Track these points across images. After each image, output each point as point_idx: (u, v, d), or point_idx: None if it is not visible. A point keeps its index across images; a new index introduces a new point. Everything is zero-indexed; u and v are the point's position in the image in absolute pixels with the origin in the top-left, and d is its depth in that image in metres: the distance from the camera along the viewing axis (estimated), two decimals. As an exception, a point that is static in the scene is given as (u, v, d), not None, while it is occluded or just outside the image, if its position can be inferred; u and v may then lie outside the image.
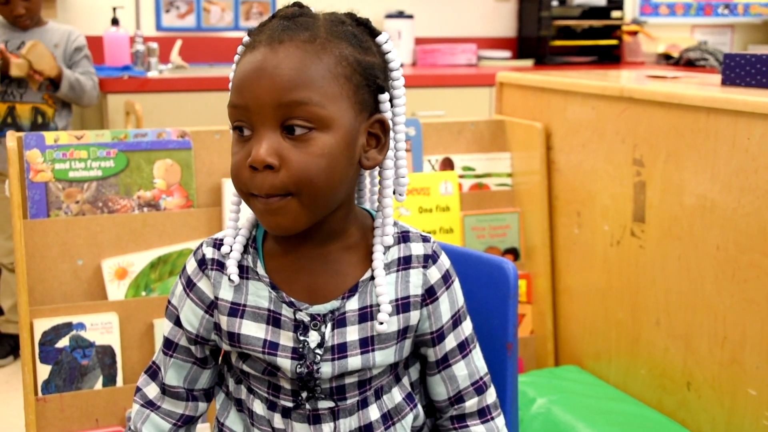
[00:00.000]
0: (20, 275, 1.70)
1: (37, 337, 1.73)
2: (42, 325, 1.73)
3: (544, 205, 2.12)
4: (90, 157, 1.78)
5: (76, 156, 1.77)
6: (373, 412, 1.12)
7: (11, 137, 1.72)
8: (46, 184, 1.75)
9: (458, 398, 1.16)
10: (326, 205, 1.03)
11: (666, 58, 4.78)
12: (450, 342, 1.14)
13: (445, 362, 1.15)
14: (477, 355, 1.17)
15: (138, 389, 1.18)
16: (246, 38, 1.05)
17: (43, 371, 1.73)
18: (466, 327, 1.16)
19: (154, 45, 3.73)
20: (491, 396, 1.18)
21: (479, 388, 1.16)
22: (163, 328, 1.16)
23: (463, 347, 1.15)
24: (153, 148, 1.83)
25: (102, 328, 1.76)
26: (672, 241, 1.72)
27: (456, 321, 1.14)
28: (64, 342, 1.74)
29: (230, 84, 1.04)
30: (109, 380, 1.78)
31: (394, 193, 1.11)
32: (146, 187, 1.83)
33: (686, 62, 4.52)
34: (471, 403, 1.16)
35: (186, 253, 1.83)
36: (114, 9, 3.71)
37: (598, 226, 1.95)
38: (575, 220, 2.04)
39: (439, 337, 1.13)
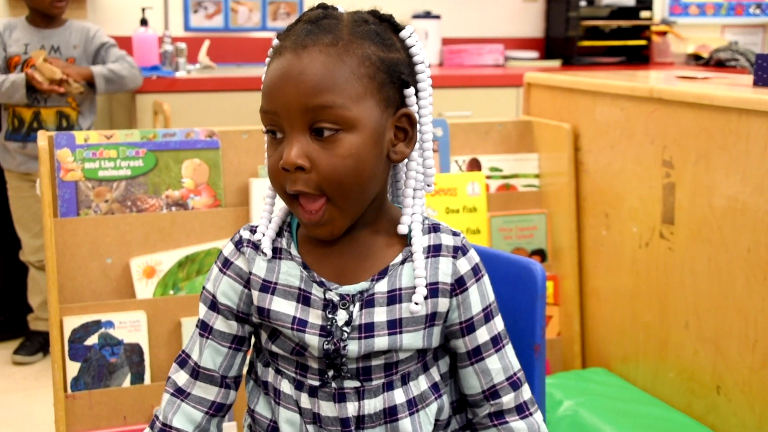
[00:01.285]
0: (50, 273, 1.72)
1: (67, 334, 1.74)
2: (71, 322, 1.74)
3: (572, 207, 2.10)
4: (119, 157, 1.79)
5: (106, 155, 1.79)
6: (399, 396, 1.13)
7: (42, 137, 1.73)
8: (76, 183, 1.77)
9: (493, 393, 1.17)
10: (360, 203, 1.08)
11: (695, 59, 4.73)
12: (482, 335, 1.15)
13: (477, 355, 1.16)
14: (510, 351, 1.18)
15: (168, 378, 1.19)
16: (275, 42, 1.09)
17: (73, 368, 1.74)
18: (499, 323, 1.17)
19: (183, 45, 3.75)
20: (527, 392, 1.18)
21: (514, 384, 1.17)
22: (199, 312, 1.18)
23: (496, 341, 1.16)
24: (181, 147, 1.84)
25: (130, 326, 1.78)
26: (702, 243, 1.71)
27: (488, 315, 1.15)
28: (93, 340, 1.75)
29: (262, 89, 1.07)
30: (137, 378, 1.79)
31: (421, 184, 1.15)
32: (174, 187, 1.84)
33: (716, 63, 4.47)
34: (508, 399, 1.17)
35: (214, 252, 1.84)
36: (143, 9, 3.73)
37: (627, 228, 1.94)
38: (603, 221, 2.03)
39: (469, 327, 1.15)
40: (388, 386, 1.13)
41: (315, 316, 1.10)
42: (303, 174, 1.03)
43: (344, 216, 1.06)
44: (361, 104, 1.03)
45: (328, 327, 1.09)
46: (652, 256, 1.86)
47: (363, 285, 1.10)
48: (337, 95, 1.02)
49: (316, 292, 1.10)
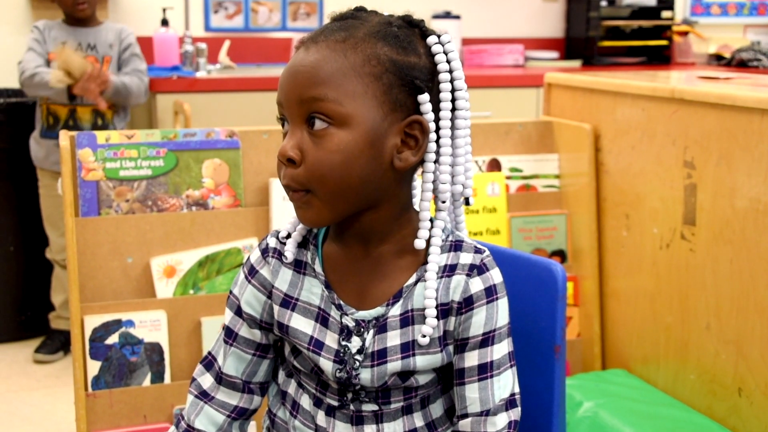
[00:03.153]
0: (71, 272, 1.73)
1: (88, 333, 1.75)
2: (92, 321, 1.75)
3: (592, 207, 2.09)
4: (140, 156, 1.80)
5: (127, 155, 1.80)
6: (418, 420, 1.12)
7: (64, 136, 1.74)
8: (98, 182, 1.78)
9: (462, 416, 1.11)
10: (347, 201, 1.04)
11: (717, 59, 4.71)
12: (470, 359, 1.09)
13: (460, 377, 1.10)
14: (500, 382, 1.10)
15: (193, 379, 1.19)
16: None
17: (93, 367, 1.75)
18: (498, 350, 1.10)
19: (203, 45, 3.76)
20: (494, 424, 1.09)
21: (485, 412, 1.10)
22: (224, 317, 1.18)
23: (483, 370, 1.09)
24: (202, 147, 1.85)
25: (150, 326, 1.78)
26: (723, 244, 1.69)
27: (486, 340, 1.09)
28: (113, 339, 1.76)
29: None
30: (157, 377, 1.80)
31: (436, 199, 1.11)
32: (195, 187, 1.84)
33: (738, 63, 4.44)
34: (464, 422, 1.10)
35: (234, 252, 1.85)
36: (164, 10, 3.75)
37: (647, 229, 1.93)
38: (624, 222, 2.02)
39: (462, 347, 1.10)
40: (407, 409, 1.11)
41: (331, 340, 1.09)
42: (291, 167, 1.02)
43: (326, 207, 1.03)
44: (358, 102, 1.01)
45: (341, 354, 1.08)
46: (673, 257, 1.84)
47: (379, 310, 1.08)
48: (330, 89, 1.00)
49: (334, 314, 1.09)
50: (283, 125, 1.07)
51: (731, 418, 1.69)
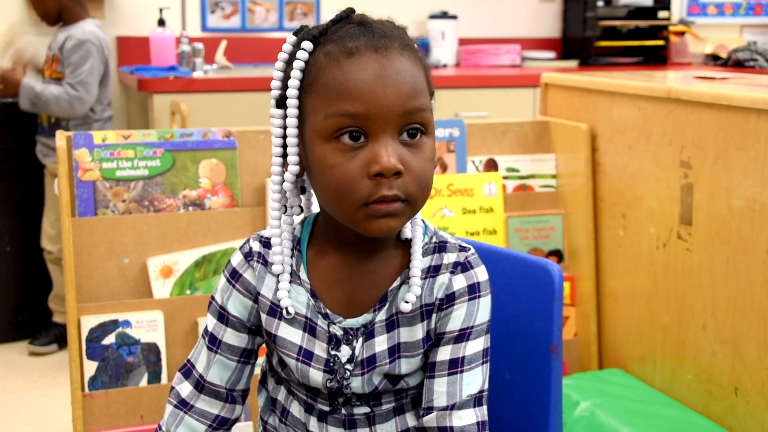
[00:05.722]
0: (68, 272, 1.72)
1: (84, 333, 1.75)
2: (89, 322, 1.75)
3: (589, 207, 2.10)
4: (137, 157, 1.80)
5: (123, 155, 1.79)
6: (411, 419, 1.12)
7: (60, 136, 1.74)
8: (94, 182, 1.78)
9: (427, 410, 1.09)
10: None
11: (714, 59, 4.71)
12: (443, 353, 1.08)
13: (431, 371, 1.09)
14: (469, 378, 1.08)
15: (171, 388, 1.17)
16: (328, 45, 1.01)
17: (90, 367, 1.75)
18: (472, 347, 1.08)
19: (200, 45, 3.76)
20: (460, 419, 1.07)
21: (450, 407, 1.08)
22: (206, 323, 1.15)
23: (453, 365, 1.07)
24: (199, 147, 1.85)
25: (147, 326, 1.78)
26: (720, 244, 1.70)
27: (462, 336, 1.08)
28: (110, 339, 1.76)
29: (330, 91, 0.99)
30: (154, 377, 1.79)
31: None
32: (192, 187, 1.84)
33: (735, 63, 4.44)
34: (429, 418, 1.08)
35: (230, 252, 1.84)
36: (160, 10, 3.74)
37: (644, 229, 1.93)
38: (620, 222, 2.02)
39: (437, 341, 1.09)
40: (399, 410, 1.11)
41: (320, 349, 1.08)
42: (395, 179, 0.98)
43: (412, 215, 1.03)
44: (430, 109, 1.04)
45: (331, 363, 1.07)
46: (669, 257, 1.85)
47: (366, 317, 1.07)
48: (425, 98, 1.01)
49: (321, 323, 1.08)
50: (356, 139, 0.98)
51: (728, 418, 1.70)
